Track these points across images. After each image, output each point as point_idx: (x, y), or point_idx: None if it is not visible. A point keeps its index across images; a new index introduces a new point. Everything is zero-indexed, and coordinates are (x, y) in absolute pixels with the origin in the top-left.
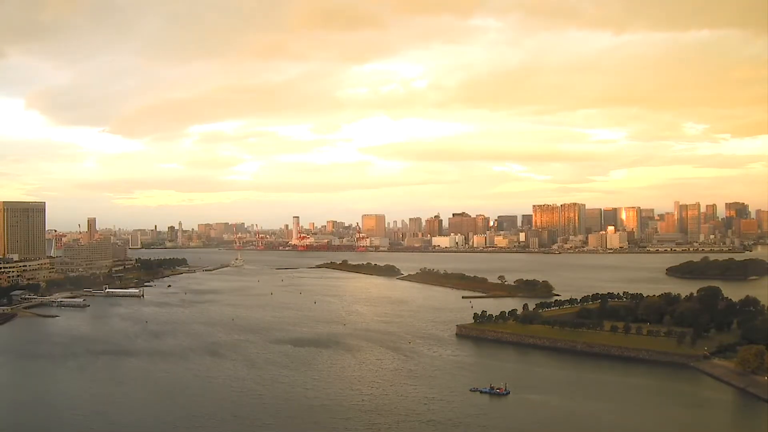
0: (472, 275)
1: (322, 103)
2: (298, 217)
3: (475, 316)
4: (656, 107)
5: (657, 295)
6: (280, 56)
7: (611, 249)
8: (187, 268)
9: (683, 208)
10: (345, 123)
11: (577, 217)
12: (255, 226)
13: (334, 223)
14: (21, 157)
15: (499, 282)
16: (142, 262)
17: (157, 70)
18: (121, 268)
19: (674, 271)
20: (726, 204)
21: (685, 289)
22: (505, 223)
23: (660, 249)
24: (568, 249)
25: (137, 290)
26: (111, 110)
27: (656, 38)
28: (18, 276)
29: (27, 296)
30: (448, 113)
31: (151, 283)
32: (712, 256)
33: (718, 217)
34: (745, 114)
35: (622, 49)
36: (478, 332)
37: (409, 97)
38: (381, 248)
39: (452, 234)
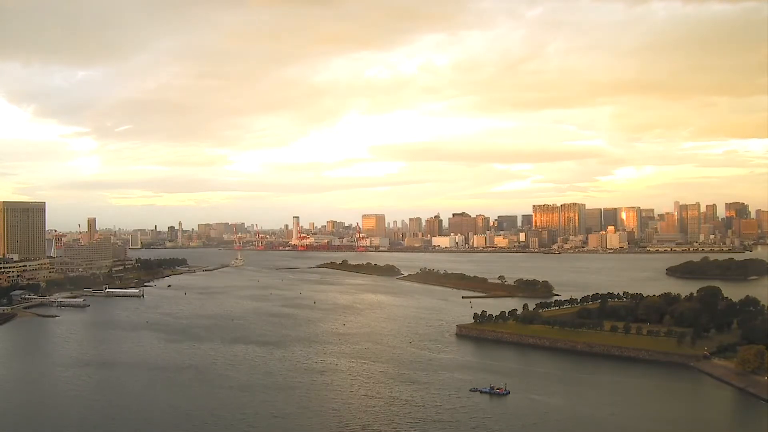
0: (472, 275)
1: (300, 91)
2: (298, 217)
3: (475, 316)
4: (669, 96)
5: (657, 295)
6: (246, 37)
7: (611, 249)
8: (187, 268)
9: (683, 208)
10: (328, 113)
11: (577, 217)
12: (255, 226)
13: (334, 223)
14: (2, 155)
15: (499, 282)
16: (142, 262)
17: (115, 56)
18: (121, 268)
19: (674, 271)
20: (726, 204)
21: (685, 289)
22: (505, 223)
23: (660, 249)
24: (568, 249)
25: (137, 290)
26: (84, 104)
27: (672, 12)
28: (18, 276)
29: (27, 296)
30: (442, 105)
31: (151, 283)
32: (712, 256)
33: (718, 217)
34: (761, 105)
35: (636, 25)
36: (478, 332)
37: (397, 83)
38: (381, 248)
39: (452, 234)
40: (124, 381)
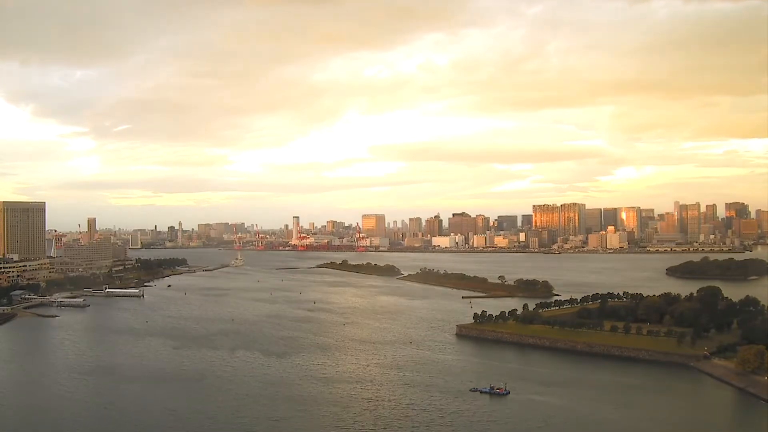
0: (472, 275)
1: (299, 90)
2: (298, 217)
3: (475, 316)
4: (669, 96)
5: (657, 295)
6: (245, 36)
7: (611, 249)
8: (187, 268)
9: (683, 208)
10: (328, 113)
11: (577, 217)
12: (255, 226)
13: (334, 223)
14: (2, 155)
15: (499, 282)
16: (142, 262)
17: (113, 56)
18: (121, 268)
19: (674, 271)
20: (726, 204)
21: (685, 289)
22: (505, 223)
23: (660, 249)
24: (568, 249)
25: (137, 290)
26: (82, 103)
27: (673, 11)
28: (18, 276)
29: (27, 296)
30: (442, 105)
31: (151, 283)
32: (712, 256)
33: (718, 217)
34: (762, 105)
35: (636, 24)
36: (478, 332)
37: (396, 83)
38: (381, 248)
39: (452, 234)
40: (122, 383)
